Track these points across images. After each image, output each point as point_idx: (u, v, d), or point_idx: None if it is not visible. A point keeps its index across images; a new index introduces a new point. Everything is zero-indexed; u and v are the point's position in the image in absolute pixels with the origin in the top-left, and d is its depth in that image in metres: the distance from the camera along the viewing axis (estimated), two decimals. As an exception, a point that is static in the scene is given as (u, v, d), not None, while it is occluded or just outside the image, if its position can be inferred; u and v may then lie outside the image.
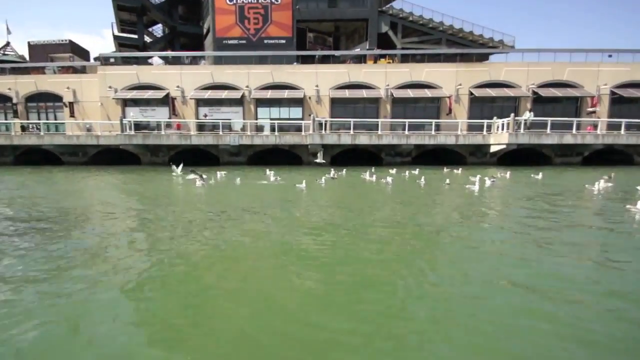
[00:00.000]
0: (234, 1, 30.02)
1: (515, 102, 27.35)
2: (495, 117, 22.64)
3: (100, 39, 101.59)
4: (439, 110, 27.49)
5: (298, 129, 24.35)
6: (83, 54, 35.08)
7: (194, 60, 31.57)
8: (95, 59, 30.94)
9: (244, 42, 30.46)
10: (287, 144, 22.83)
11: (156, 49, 36.44)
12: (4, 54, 34.66)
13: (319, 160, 20.05)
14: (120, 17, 35.97)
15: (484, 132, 22.27)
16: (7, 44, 35.97)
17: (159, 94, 27.66)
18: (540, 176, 14.84)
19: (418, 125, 24.03)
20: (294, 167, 21.38)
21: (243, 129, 25.05)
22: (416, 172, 15.92)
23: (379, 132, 22.45)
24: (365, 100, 27.44)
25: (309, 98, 27.35)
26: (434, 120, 22.93)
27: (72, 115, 29.45)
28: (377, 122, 23.43)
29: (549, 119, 21.11)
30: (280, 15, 30.14)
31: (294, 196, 11.06)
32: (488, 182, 12.36)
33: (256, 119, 27.33)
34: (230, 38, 30.59)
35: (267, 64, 28.33)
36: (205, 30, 34.60)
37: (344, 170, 17.32)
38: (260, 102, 27.91)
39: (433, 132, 22.22)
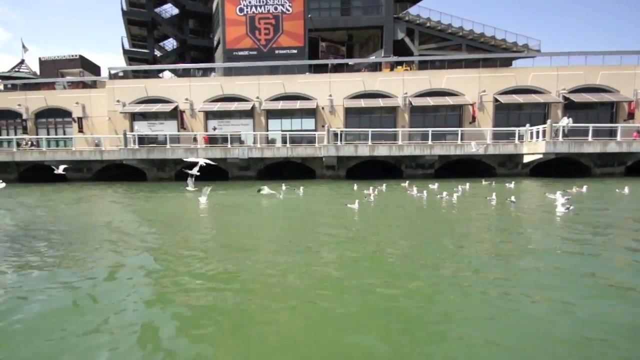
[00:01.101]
0: (245, 12, 29.30)
1: (545, 108, 25.32)
2: (527, 125, 20.69)
3: (118, 55, 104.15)
4: (461, 119, 25.67)
5: (310, 141, 22.90)
6: (94, 69, 34.87)
7: (205, 73, 30.78)
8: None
9: (254, 52, 29.56)
10: (299, 156, 21.36)
11: (166, 63, 35.99)
12: (17, 71, 34.72)
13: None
14: (131, 32, 35.86)
15: (516, 141, 20.31)
16: (22, 61, 36.15)
17: (167, 107, 26.77)
18: (626, 191, 12.48)
19: (439, 135, 22.28)
20: (307, 181, 19.82)
21: (254, 141, 23.75)
22: (458, 188, 13.66)
23: (399, 142, 20.76)
24: (381, 109, 25.88)
25: (322, 108, 25.97)
26: (459, 129, 21.21)
27: (80, 130, 28.81)
28: (397, 131, 21.81)
29: (590, 125, 19.09)
30: (291, 25, 29.21)
31: (347, 217, 9.47)
32: (561, 200, 9.52)
33: (267, 131, 26.07)
34: (240, 49, 29.75)
35: (278, 74, 27.23)
36: (215, 43, 34.00)
37: (384, 185, 15.54)
38: (271, 114, 26.69)
39: (459, 142, 20.40)
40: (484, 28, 30.19)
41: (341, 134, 20.93)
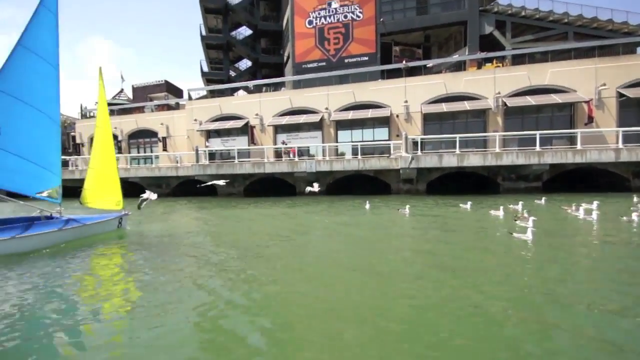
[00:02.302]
0: (314, 24, 28.58)
1: (696, 101, 19.28)
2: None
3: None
4: (573, 120, 20.86)
5: (383, 152, 20.53)
6: (177, 92, 37.46)
7: (275, 89, 30.67)
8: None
9: (323, 63, 28.50)
10: (372, 169, 19.09)
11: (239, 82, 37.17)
12: (117, 99, 38.97)
13: (315, 189, 15.18)
14: (209, 55, 37.91)
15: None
16: (121, 90, 40.59)
17: (239, 124, 26.90)
18: None
19: (545, 139, 18.08)
20: (382, 197, 17.38)
21: (323, 153, 22.21)
22: (592, 205, 10.24)
23: (497, 149, 17.20)
24: (467, 113, 22.37)
25: (397, 116, 23.45)
26: (577, 130, 16.85)
27: (164, 149, 30.61)
28: (494, 136, 18.20)
29: None
30: (362, 32, 27.57)
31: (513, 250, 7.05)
32: None
33: (336, 142, 24.40)
34: (309, 62, 28.99)
35: (348, 83, 25.60)
36: (285, 58, 34.00)
37: (543, 198, 12.57)
38: (341, 125, 25.00)
39: (579, 147, 16.10)
40: (597, 11, 24.87)
41: (421, 143, 18.11)
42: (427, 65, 26.02)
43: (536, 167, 16.10)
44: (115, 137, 32.01)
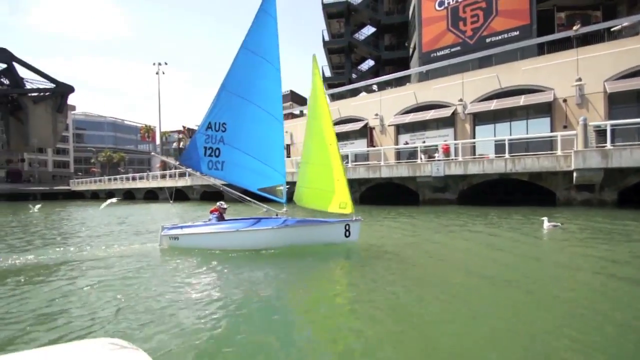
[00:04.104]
0: (445, 4, 24.44)
1: None
2: None
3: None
4: None
5: (539, 149, 15.03)
6: (301, 100, 38.31)
7: (398, 85, 27.66)
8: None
9: (457, 48, 23.96)
10: (526, 171, 14.05)
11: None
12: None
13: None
14: (331, 61, 37.54)
15: None
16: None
17: (357, 126, 24.97)
18: None
19: None
20: (546, 209, 12.21)
21: (455, 153, 17.91)
22: None
23: None
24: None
25: (563, 101, 17.28)
26: None
27: (288, 155, 31.22)
28: None
29: None
30: (510, 2, 21.97)
31: None
32: None
33: (473, 139, 19.64)
34: (439, 49, 24.90)
35: (489, 66, 20.58)
36: (411, 51, 30.55)
37: None
38: (480, 118, 20.14)
39: None
40: None
41: (612, 132, 12.07)
42: (613, 28, 18.67)
43: None
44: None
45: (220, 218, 7.94)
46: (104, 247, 8.01)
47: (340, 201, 7.20)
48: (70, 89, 46.00)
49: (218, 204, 8.25)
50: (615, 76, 16.28)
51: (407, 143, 21.92)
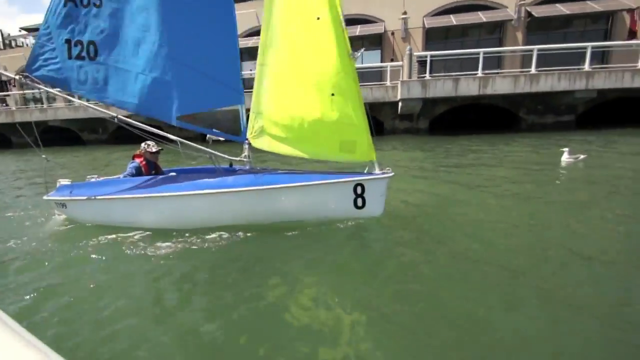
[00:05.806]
0: None
1: None
2: None
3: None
4: (610, 34, 16.80)
5: (368, 79, 15.94)
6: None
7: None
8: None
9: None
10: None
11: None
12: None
13: None
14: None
15: None
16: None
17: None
18: None
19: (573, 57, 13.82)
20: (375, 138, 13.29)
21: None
22: None
23: (532, 70, 12.82)
24: (480, 28, 17.74)
25: (392, 34, 18.48)
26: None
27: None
28: (533, 49, 13.39)
29: None
30: None
31: None
32: None
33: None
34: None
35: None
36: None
37: None
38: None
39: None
40: None
41: (430, 63, 13.37)
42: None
43: (579, 96, 12.19)
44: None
45: (147, 171, 4.64)
46: None
47: (344, 139, 3.97)
48: None
49: (143, 145, 4.66)
50: (432, 12, 18.15)
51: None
